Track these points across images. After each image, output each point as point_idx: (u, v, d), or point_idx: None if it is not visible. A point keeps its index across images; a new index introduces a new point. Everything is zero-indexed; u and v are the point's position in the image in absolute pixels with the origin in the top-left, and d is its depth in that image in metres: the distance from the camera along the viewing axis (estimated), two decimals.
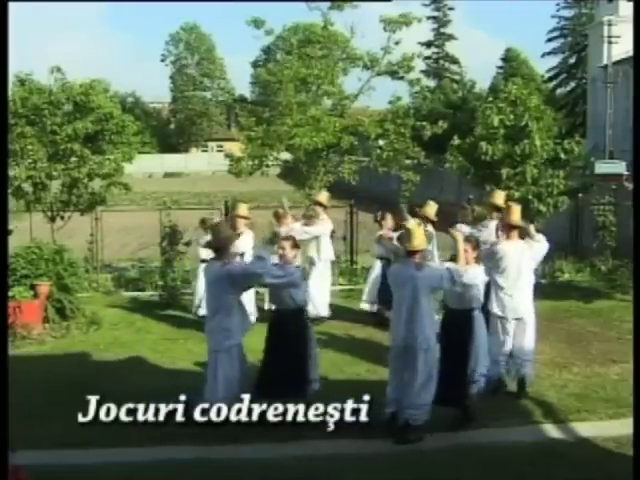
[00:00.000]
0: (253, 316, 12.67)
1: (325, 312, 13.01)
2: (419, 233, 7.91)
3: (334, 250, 13.78)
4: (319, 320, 12.77)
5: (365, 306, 13.14)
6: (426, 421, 7.79)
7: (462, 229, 11.17)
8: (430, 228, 12.22)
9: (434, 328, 7.97)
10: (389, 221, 12.63)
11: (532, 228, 9.39)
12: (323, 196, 13.59)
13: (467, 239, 8.40)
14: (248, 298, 12.71)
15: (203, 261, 12.19)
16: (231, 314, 7.91)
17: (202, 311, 12.17)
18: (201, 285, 12.09)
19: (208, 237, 11.91)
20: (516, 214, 8.94)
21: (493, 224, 10.81)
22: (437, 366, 7.86)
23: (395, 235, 12.03)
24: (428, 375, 7.76)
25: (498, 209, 10.92)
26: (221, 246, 7.99)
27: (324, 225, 13.11)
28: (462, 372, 8.10)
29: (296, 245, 8.50)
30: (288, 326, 8.30)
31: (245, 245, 12.29)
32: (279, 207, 13.27)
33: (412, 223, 8.18)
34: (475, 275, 8.13)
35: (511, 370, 9.19)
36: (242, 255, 12.10)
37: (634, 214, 10.29)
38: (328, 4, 18.52)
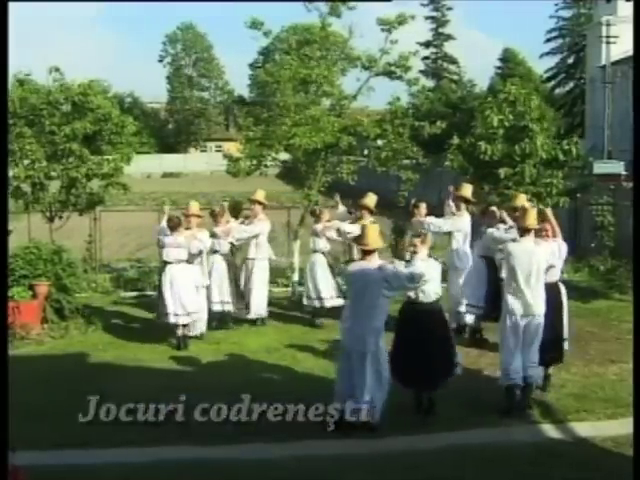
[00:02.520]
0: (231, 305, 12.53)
1: (264, 312, 12.81)
2: (533, 213, 8.90)
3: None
4: (259, 320, 12.73)
5: (313, 302, 12.84)
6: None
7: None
8: (371, 217, 12.53)
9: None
10: (326, 215, 12.91)
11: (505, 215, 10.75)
12: (260, 194, 13.10)
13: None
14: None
15: (167, 263, 11.57)
16: (382, 315, 8.05)
17: (173, 318, 11.35)
18: (175, 290, 11.35)
19: (172, 238, 11.47)
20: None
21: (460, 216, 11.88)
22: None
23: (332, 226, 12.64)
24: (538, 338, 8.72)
25: (467, 201, 12.09)
26: (372, 250, 8.09)
27: (262, 224, 12.87)
28: (553, 338, 9.05)
29: (426, 242, 8.58)
30: (425, 319, 8.39)
31: (203, 243, 11.90)
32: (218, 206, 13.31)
33: (528, 204, 9.38)
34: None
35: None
36: (200, 253, 11.84)
37: (634, 214, 10.30)
38: (325, 5, 18.48)
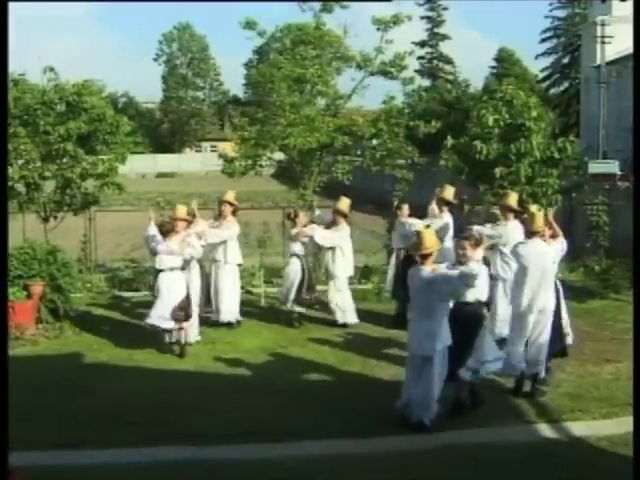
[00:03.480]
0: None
1: (236, 317, 12.65)
2: (540, 217, 9.18)
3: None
4: (231, 325, 12.54)
5: (292, 306, 12.72)
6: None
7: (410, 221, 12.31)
8: (344, 223, 12.68)
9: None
10: (302, 218, 12.81)
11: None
12: (230, 195, 12.77)
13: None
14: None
15: (160, 270, 11.18)
16: (440, 319, 8.00)
17: (152, 320, 10.98)
18: (168, 298, 10.99)
19: (165, 245, 11.08)
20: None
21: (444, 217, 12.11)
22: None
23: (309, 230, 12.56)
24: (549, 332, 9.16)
25: (448, 203, 12.29)
26: (429, 253, 8.08)
27: (232, 228, 12.65)
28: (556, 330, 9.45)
29: (477, 244, 8.54)
30: (462, 320, 8.33)
31: (196, 250, 11.57)
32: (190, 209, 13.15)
33: (535, 208, 9.48)
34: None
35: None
36: (190, 260, 11.46)
37: (634, 214, 10.29)
38: (319, 4, 18.49)
